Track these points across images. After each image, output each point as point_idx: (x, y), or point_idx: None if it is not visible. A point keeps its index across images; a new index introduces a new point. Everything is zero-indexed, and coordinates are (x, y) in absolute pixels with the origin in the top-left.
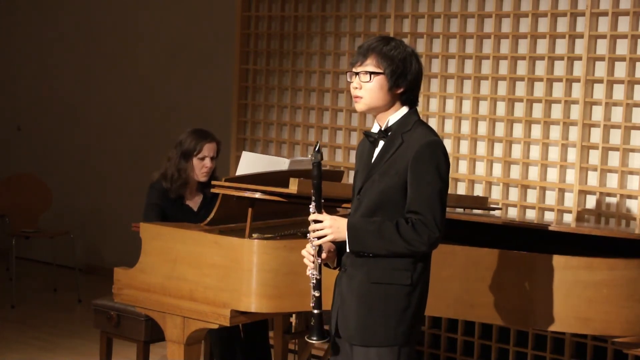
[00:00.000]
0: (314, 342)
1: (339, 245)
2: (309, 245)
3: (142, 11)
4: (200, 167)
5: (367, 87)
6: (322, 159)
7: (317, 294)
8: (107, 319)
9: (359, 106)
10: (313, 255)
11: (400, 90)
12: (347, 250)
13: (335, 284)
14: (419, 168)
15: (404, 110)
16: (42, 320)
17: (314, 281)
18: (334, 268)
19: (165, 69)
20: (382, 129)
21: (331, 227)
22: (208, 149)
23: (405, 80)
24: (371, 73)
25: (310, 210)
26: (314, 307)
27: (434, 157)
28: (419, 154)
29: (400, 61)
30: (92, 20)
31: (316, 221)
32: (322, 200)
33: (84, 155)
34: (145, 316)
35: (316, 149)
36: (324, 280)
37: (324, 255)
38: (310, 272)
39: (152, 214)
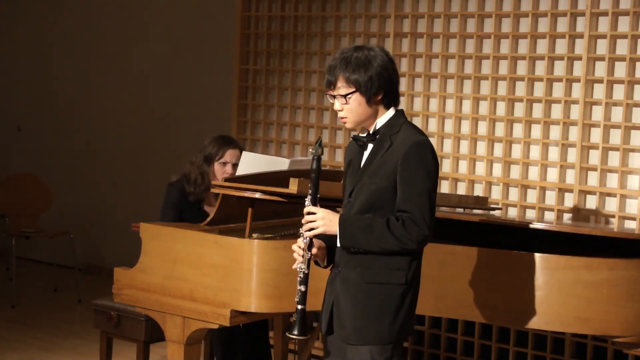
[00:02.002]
0: (294, 337)
1: (330, 244)
2: (300, 240)
3: (143, 11)
4: (222, 173)
5: (347, 107)
6: (322, 153)
7: (302, 289)
8: (107, 319)
9: (348, 125)
10: (303, 249)
11: (379, 97)
12: (338, 244)
13: (328, 284)
14: (408, 168)
15: (391, 112)
16: (42, 320)
17: (302, 275)
18: (324, 267)
19: (165, 69)
20: (370, 132)
21: (323, 219)
22: (230, 155)
23: (380, 87)
24: (345, 95)
25: (306, 203)
26: (298, 302)
27: (421, 157)
28: (407, 155)
29: (367, 71)
30: (92, 20)
31: (309, 213)
32: (318, 195)
33: (84, 155)
34: (145, 316)
35: (318, 143)
36: (318, 282)
37: (314, 250)
38: (299, 265)
39: (170, 215)
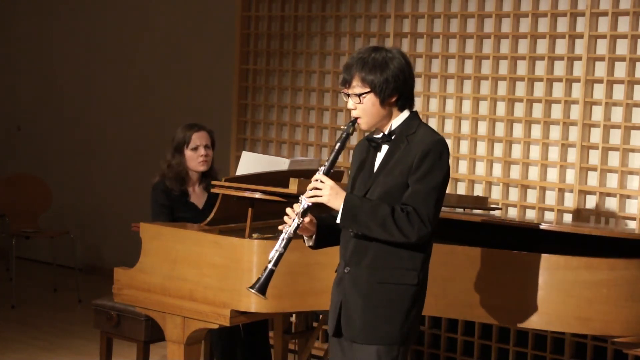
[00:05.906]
0: (252, 291)
1: (322, 223)
2: (297, 204)
3: (142, 11)
4: (196, 158)
5: (360, 107)
6: (352, 133)
7: (281, 251)
8: (107, 319)
9: (362, 126)
10: (296, 214)
11: (394, 99)
12: (337, 221)
13: (334, 286)
14: (423, 165)
15: (405, 114)
16: (42, 320)
17: (285, 238)
18: (310, 246)
19: (165, 69)
20: (386, 133)
21: (331, 189)
22: (198, 138)
23: (395, 89)
24: (359, 95)
25: (319, 170)
26: (270, 261)
27: (438, 156)
28: (425, 152)
29: (383, 73)
30: (92, 20)
31: (319, 181)
32: (332, 170)
33: (84, 155)
34: (145, 316)
35: (351, 122)
36: (318, 283)
37: (307, 219)
38: (286, 227)
39: (161, 215)
